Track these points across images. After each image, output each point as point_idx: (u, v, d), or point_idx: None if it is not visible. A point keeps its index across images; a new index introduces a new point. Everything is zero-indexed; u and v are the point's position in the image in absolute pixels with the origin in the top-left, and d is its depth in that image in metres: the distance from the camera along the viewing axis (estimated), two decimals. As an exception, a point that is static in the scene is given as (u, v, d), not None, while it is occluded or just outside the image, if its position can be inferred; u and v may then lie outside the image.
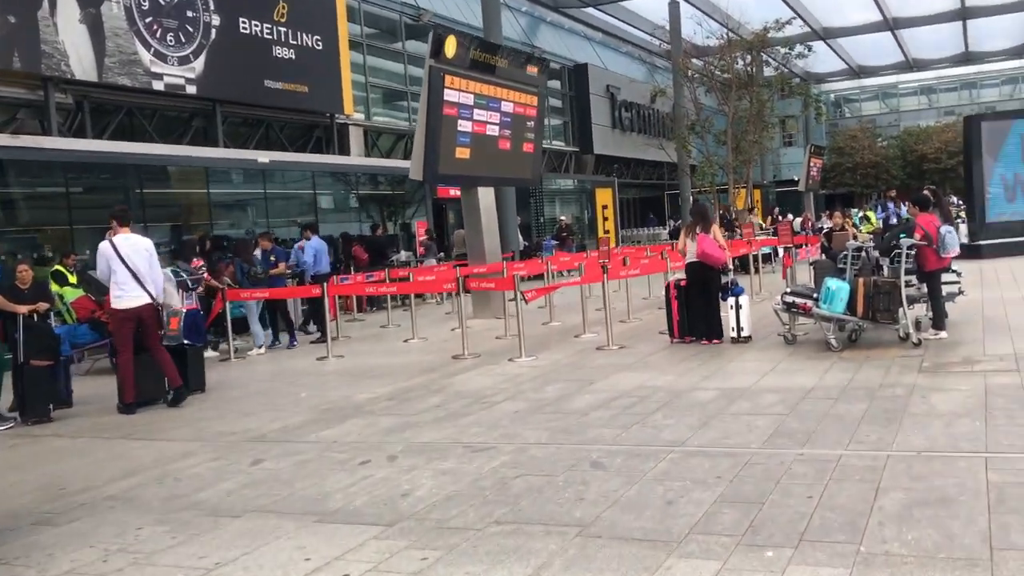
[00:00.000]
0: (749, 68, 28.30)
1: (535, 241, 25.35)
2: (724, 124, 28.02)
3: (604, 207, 30.93)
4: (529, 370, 9.20)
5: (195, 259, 11.97)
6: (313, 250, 13.41)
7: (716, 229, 10.34)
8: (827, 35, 43.76)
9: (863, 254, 9.48)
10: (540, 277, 16.03)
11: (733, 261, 17.28)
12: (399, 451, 6.06)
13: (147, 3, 17.91)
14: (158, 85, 18.20)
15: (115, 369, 8.70)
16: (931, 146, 48.27)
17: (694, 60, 28.55)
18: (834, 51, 48.49)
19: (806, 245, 14.60)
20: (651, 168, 41.66)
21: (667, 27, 30.47)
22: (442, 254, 19.26)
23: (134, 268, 8.44)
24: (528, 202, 26.94)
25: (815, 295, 9.27)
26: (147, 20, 17.94)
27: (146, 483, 5.69)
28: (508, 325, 13.25)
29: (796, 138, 53.92)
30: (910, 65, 53.55)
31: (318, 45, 22.09)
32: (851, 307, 8.89)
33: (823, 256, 11.36)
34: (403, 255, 18.46)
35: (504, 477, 5.19)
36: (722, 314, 10.07)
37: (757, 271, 16.25)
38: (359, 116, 24.61)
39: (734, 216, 24.60)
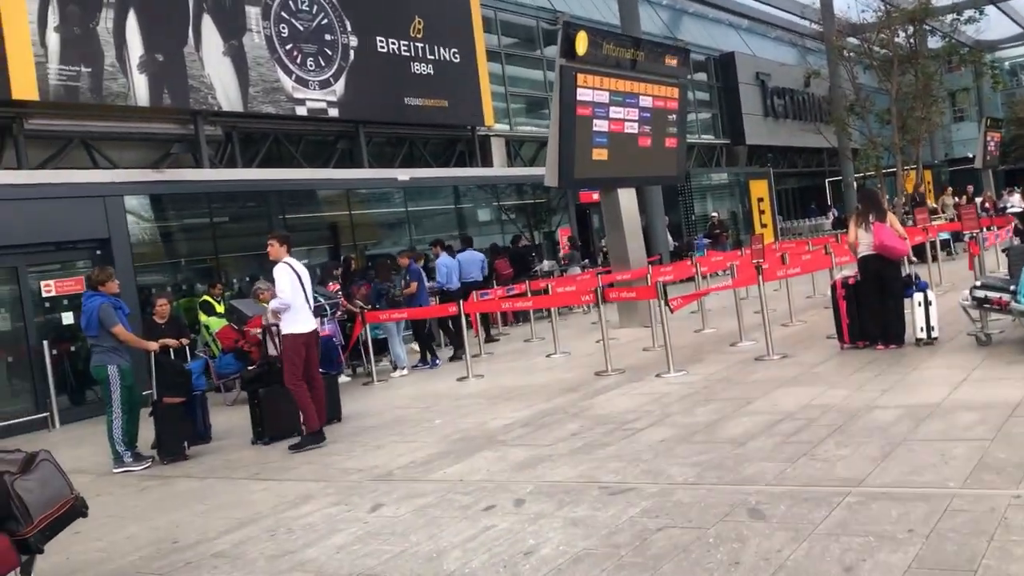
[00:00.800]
0: (911, 40, 26.05)
1: (686, 240, 24.18)
2: (886, 103, 25.89)
3: (759, 199, 29.26)
4: (678, 388, 8.35)
5: (331, 283, 11.80)
6: (444, 267, 13.03)
7: (893, 217, 9.11)
8: (997, -2, 40.01)
9: (1070, 236, 8.08)
10: (691, 280, 15.04)
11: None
12: (527, 493, 5.40)
13: (286, 30, 18.20)
14: (301, 110, 18.46)
15: (253, 399, 8.47)
16: None
17: (850, 39, 26.53)
18: (1006, 15, 44.31)
19: (994, 228, 12.92)
20: (809, 155, 39.43)
21: (816, 6, 28.54)
22: (586, 261, 18.55)
23: (307, 291, 8.22)
24: (676, 200, 25.78)
25: (1012, 288, 7.96)
26: (287, 47, 18.23)
27: (257, 536, 5.27)
28: (656, 335, 12.40)
29: (968, 112, 49.77)
30: (1097, 19, 48.25)
31: (455, 58, 21.91)
32: (1059, 300, 7.55)
33: (1018, 240, 9.87)
34: (546, 265, 17.88)
35: (644, 529, 4.42)
36: (906, 312, 8.88)
37: (935, 259, 14.63)
38: (501, 127, 24.32)
39: (919, 200, 22.36)
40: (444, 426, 7.99)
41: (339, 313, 11.56)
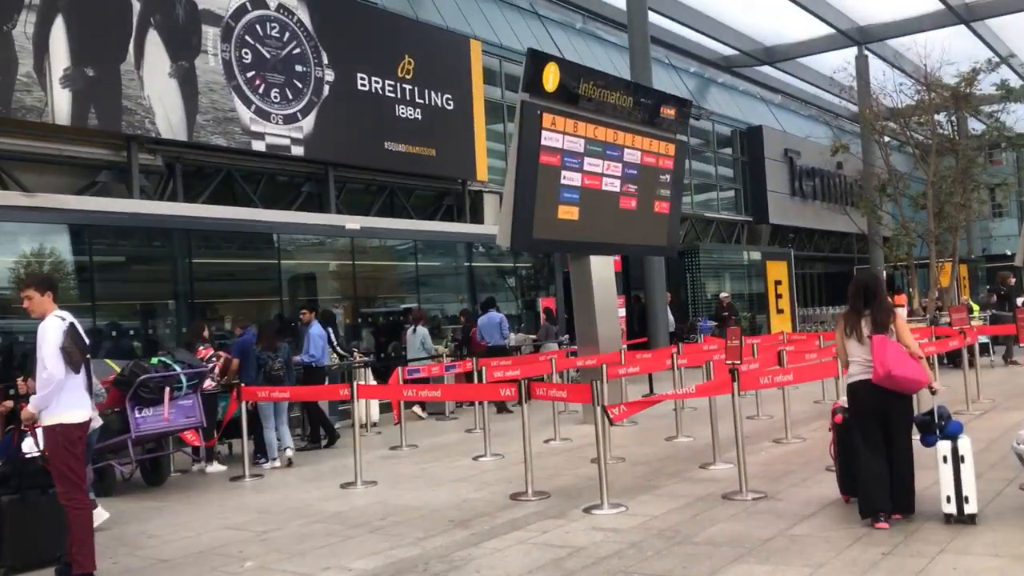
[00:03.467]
0: (951, 120, 23.76)
1: (689, 322, 21.68)
2: (921, 188, 23.53)
3: (777, 282, 26.78)
4: (602, 539, 5.85)
5: (203, 347, 9.46)
6: (320, 338, 10.70)
7: (900, 320, 6.02)
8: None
9: None
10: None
11: (942, 360, 12.98)
12: None
13: (249, 56, 16.22)
14: (258, 145, 16.35)
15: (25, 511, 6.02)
16: None
17: (889, 123, 24.31)
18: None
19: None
20: (837, 239, 37.06)
21: (849, 83, 26.33)
22: (565, 337, 16.09)
23: (85, 358, 5.79)
24: (684, 276, 23.40)
25: (1091, 433, 5.46)
26: (248, 75, 16.23)
27: None
28: (624, 437, 10.01)
29: (1008, 208, 47.22)
30: None
31: (448, 105, 19.91)
32: None
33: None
34: (513, 339, 15.44)
35: None
36: (922, 467, 5.97)
37: (972, 365, 12.02)
38: (498, 184, 22.18)
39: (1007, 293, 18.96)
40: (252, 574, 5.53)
41: (212, 384, 9.21)
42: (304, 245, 15.65)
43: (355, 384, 8.29)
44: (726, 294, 23.31)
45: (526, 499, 7.21)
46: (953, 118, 23.33)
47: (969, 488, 5.53)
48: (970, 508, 5.56)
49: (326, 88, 17.40)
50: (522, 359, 12.46)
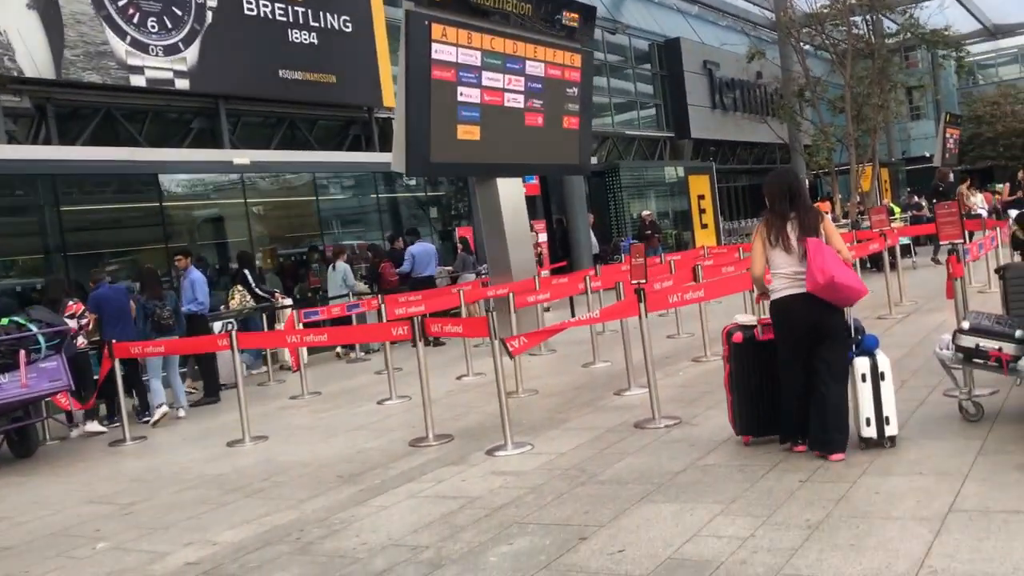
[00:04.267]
0: (867, 21, 23.37)
1: (612, 242, 21.19)
2: (839, 92, 23.22)
3: (700, 197, 26.41)
4: (500, 485, 5.30)
5: (72, 303, 8.53)
6: (201, 283, 9.84)
7: (828, 223, 5.13)
8: (959, -11, 37.58)
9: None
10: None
11: (864, 264, 12.74)
12: None
13: (121, -17, 14.86)
14: (138, 80, 15.07)
15: None
16: (1085, 110, 41.54)
17: (805, 29, 23.81)
18: (966, 8, 42.02)
19: (985, 232, 9.91)
20: (759, 151, 36.84)
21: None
22: (483, 267, 15.43)
23: None
24: (607, 196, 22.85)
25: (1017, 333, 5.05)
26: (120, 3, 14.87)
27: None
28: (541, 366, 9.52)
29: (925, 110, 47.65)
30: (1056, 20, 46.29)
31: (347, 27, 18.71)
32: (1097, 358, 4.61)
33: (1019, 256, 6.96)
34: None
35: None
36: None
37: (894, 268, 11.74)
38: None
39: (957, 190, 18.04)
40: (94, 562, 4.83)
41: (83, 343, 8.36)
42: (191, 186, 14.56)
43: (234, 333, 7.51)
44: (648, 212, 22.84)
45: (426, 444, 6.63)
46: (868, 17, 22.92)
47: (889, 408, 4.93)
48: (891, 430, 4.97)
49: (209, 15, 16.10)
50: (432, 292, 11.77)
